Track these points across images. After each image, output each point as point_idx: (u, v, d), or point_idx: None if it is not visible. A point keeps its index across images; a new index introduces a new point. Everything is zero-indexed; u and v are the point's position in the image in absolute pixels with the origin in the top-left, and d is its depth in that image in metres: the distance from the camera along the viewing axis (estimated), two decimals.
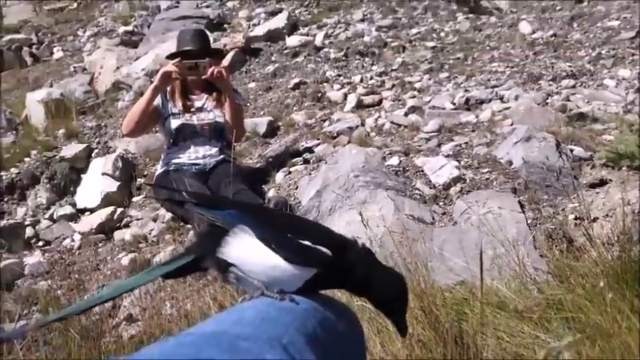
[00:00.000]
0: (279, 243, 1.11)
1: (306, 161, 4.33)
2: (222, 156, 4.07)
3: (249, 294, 1.09)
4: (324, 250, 1.12)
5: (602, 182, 3.63)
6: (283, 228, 1.17)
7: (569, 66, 5.63)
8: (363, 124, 4.84)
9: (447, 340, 1.93)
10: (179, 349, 0.66)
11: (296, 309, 0.92)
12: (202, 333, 0.74)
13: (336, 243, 1.18)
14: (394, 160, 3.99)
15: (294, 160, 4.37)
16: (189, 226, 3.84)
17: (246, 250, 1.11)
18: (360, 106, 5.26)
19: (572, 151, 3.96)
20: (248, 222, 1.15)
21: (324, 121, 5.03)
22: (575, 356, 1.84)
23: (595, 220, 3.31)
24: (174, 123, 4.12)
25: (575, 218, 3.34)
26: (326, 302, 1.01)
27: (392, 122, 4.79)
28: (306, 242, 1.13)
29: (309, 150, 4.49)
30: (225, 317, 0.84)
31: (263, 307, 0.92)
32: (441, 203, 3.61)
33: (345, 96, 5.43)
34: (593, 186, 3.63)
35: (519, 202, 3.49)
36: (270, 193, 4.05)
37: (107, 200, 4.46)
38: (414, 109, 4.93)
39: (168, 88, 4.17)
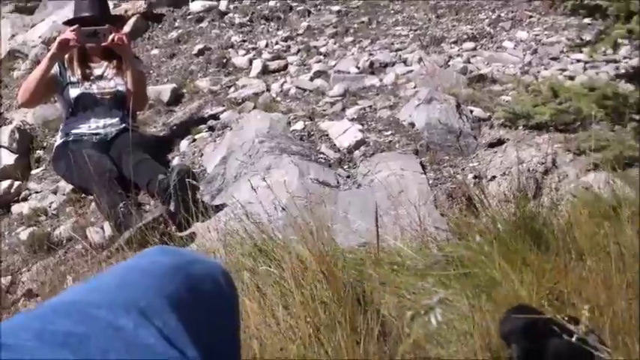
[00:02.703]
0: None
1: (210, 128, 4.27)
2: (123, 125, 3.95)
3: None
4: None
5: (500, 142, 3.75)
6: None
7: (470, 29, 5.74)
8: (268, 90, 4.79)
9: (347, 301, 1.96)
10: (26, 322, 0.63)
11: (156, 270, 0.88)
12: (53, 304, 0.71)
13: None
14: (299, 125, 3.98)
15: (198, 127, 4.30)
16: (90, 197, 3.73)
17: None
18: (265, 71, 5.20)
19: (472, 112, 4.06)
20: None
21: (230, 87, 4.95)
22: (448, 312, 1.92)
23: (493, 178, 3.42)
24: (73, 92, 3.99)
25: (475, 177, 3.44)
26: (192, 261, 0.98)
27: (297, 87, 4.77)
28: None
29: (214, 117, 4.42)
30: (81, 287, 0.81)
31: (122, 272, 0.88)
32: (345, 167, 3.64)
33: (251, 61, 5.35)
34: (491, 145, 3.75)
35: (421, 163, 3.56)
36: (175, 162, 3.98)
37: (4, 173, 4.28)
38: (319, 74, 4.92)
39: (67, 56, 4.03)
